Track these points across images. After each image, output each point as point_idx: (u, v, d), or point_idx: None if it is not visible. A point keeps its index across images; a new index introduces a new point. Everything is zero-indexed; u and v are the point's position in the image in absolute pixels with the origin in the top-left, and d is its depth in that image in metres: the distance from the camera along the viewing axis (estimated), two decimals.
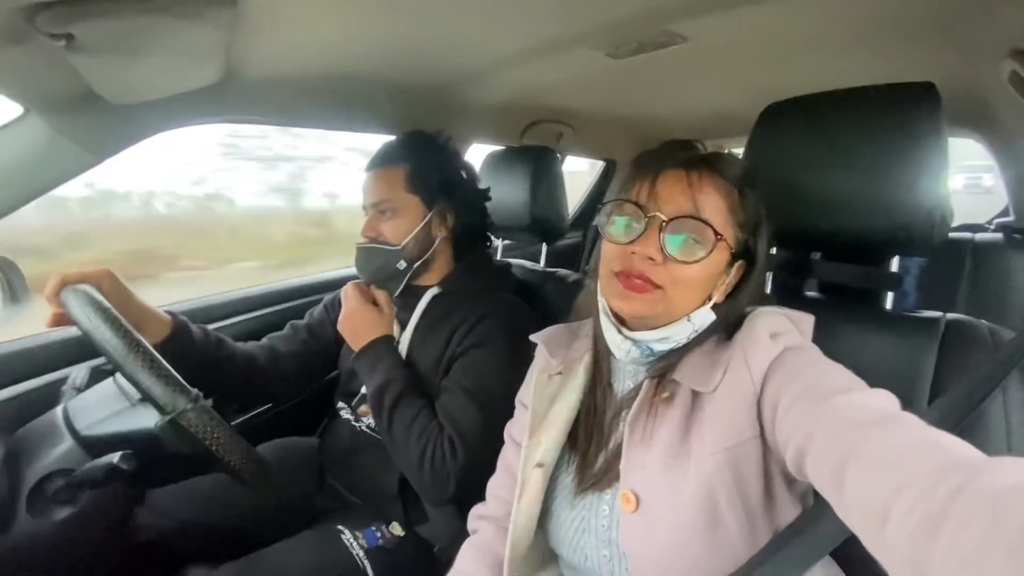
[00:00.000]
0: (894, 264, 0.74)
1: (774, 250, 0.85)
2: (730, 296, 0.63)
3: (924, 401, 0.65)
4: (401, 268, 0.97)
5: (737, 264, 0.62)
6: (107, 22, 0.55)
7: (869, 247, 0.73)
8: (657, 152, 0.65)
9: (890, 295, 0.75)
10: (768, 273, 0.86)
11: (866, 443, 0.42)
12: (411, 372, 0.95)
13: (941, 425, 0.45)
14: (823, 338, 0.72)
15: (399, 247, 0.96)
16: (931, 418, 0.52)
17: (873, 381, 0.53)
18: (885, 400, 0.49)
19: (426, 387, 0.95)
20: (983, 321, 0.68)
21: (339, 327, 1.00)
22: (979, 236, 1.49)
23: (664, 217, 0.58)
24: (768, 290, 0.86)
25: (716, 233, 0.58)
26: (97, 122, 0.82)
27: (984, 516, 0.31)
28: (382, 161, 0.99)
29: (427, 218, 0.98)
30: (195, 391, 0.62)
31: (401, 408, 0.90)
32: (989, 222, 1.86)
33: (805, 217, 0.73)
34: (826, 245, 0.78)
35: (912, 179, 0.65)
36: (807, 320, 0.63)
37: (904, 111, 0.66)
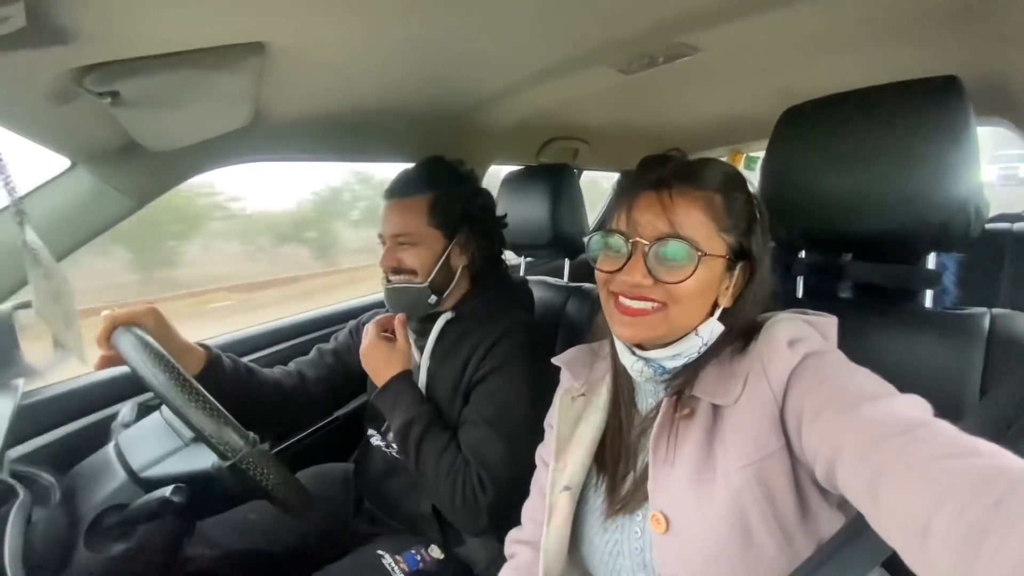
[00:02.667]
0: (931, 261, 0.73)
1: (803, 254, 0.84)
2: (738, 300, 0.62)
3: (974, 402, 0.63)
4: (432, 302, 0.98)
5: (740, 265, 0.61)
6: (149, 79, 0.59)
7: (903, 245, 0.72)
8: (634, 173, 0.65)
9: (929, 293, 0.73)
10: (799, 277, 0.85)
11: (899, 455, 0.41)
12: (432, 406, 0.94)
13: (987, 429, 0.43)
14: (859, 341, 0.71)
15: (426, 284, 0.96)
16: (975, 423, 0.51)
17: (918, 383, 0.51)
18: (915, 406, 0.47)
19: (447, 414, 0.95)
20: None
21: (364, 363, 1.00)
22: (1017, 226, 1.44)
23: (645, 242, 0.58)
24: (800, 294, 0.85)
25: (697, 249, 0.57)
26: (138, 170, 0.87)
27: None
28: (404, 191, 0.98)
29: (448, 249, 0.97)
30: (251, 435, 0.64)
31: (427, 444, 0.89)
32: None
33: (833, 218, 0.72)
34: (858, 245, 0.77)
35: (942, 174, 0.64)
36: (829, 323, 0.61)
37: (928, 106, 0.65)
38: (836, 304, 0.78)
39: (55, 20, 0.47)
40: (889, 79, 0.69)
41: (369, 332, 1.01)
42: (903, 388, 0.50)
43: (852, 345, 0.61)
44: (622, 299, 0.60)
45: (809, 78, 1.08)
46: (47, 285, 0.61)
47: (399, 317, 1.01)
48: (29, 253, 0.59)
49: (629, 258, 0.59)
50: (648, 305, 0.59)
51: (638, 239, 0.58)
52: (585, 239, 0.65)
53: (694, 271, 0.57)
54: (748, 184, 0.63)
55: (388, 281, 1.00)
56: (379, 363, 0.97)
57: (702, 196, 0.59)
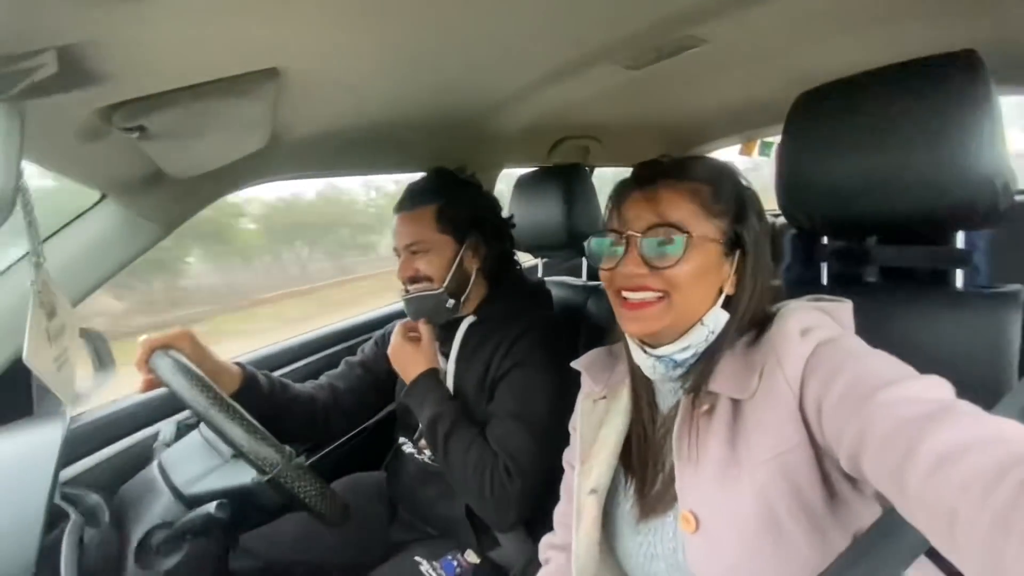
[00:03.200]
0: (959, 239, 0.71)
1: (825, 240, 0.83)
2: (738, 286, 0.62)
3: (1013, 382, 0.62)
4: (450, 307, 1.01)
5: (737, 254, 0.62)
6: (172, 111, 0.61)
7: (930, 225, 0.70)
8: (622, 182, 0.68)
9: (960, 273, 0.71)
10: (822, 264, 0.83)
11: (922, 440, 0.40)
12: (459, 404, 0.97)
13: None
14: (889, 326, 0.70)
15: (442, 289, 0.99)
16: (1015, 404, 0.49)
17: (953, 365, 0.50)
18: (936, 388, 0.46)
19: (474, 414, 0.96)
20: None
21: (393, 362, 1.04)
22: None
23: (636, 233, 0.61)
24: (824, 281, 0.83)
25: (686, 232, 0.59)
26: (164, 197, 0.90)
27: None
28: (412, 203, 1.03)
29: (460, 253, 1.01)
30: (289, 449, 0.66)
31: (454, 439, 0.91)
32: None
33: (855, 202, 0.70)
34: (882, 228, 0.75)
35: (966, 150, 0.62)
36: (844, 308, 0.61)
37: (947, 82, 0.63)
38: (863, 289, 0.77)
39: (84, 64, 0.49)
40: (904, 57, 0.68)
41: (396, 334, 1.04)
42: (938, 372, 0.49)
43: (882, 330, 0.60)
44: (625, 294, 0.62)
45: (821, 61, 1.06)
46: (47, 325, 0.63)
47: (421, 322, 1.04)
48: (34, 293, 0.61)
49: (626, 253, 0.61)
50: (650, 295, 0.60)
51: (630, 233, 0.61)
52: (586, 244, 0.68)
53: (684, 252, 0.58)
54: (738, 174, 0.65)
55: (406, 291, 1.02)
56: (407, 362, 1.01)
57: (688, 187, 0.62)
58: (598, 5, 0.74)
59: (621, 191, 0.66)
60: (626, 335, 0.66)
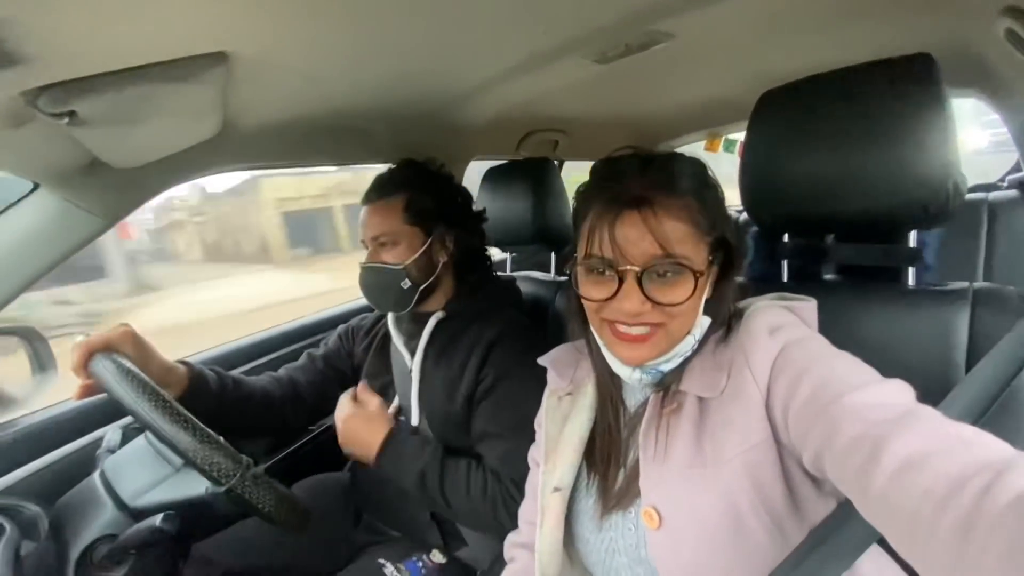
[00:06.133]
0: (912, 238, 0.73)
1: (786, 237, 0.84)
2: (717, 288, 0.61)
3: (959, 379, 0.64)
4: (406, 288, 0.96)
5: (717, 255, 0.60)
6: (106, 96, 0.56)
7: (885, 224, 0.72)
8: (596, 184, 0.62)
9: (911, 271, 0.73)
10: (783, 261, 0.85)
11: (885, 444, 0.41)
12: (434, 445, 0.92)
13: (973, 408, 0.43)
14: (845, 322, 0.71)
15: (401, 267, 0.95)
16: (960, 402, 0.51)
17: (905, 360, 0.51)
18: (899, 393, 0.47)
19: (442, 413, 0.94)
20: (1012, 288, 0.66)
21: (345, 449, 0.96)
22: (993, 195, 1.46)
23: (637, 268, 0.55)
24: (785, 278, 0.85)
25: (692, 269, 0.55)
26: (104, 188, 0.84)
27: (1012, 517, 0.31)
28: (379, 194, 0.99)
29: (427, 243, 0.97)
30: (246, 459, 0.63)
31: (449, 484, 0.88)
32: (1002, 179, 1.82)
33: (814, 201, 0.72)
34: (839, 227, 0.77)
35: (920, 152, 0.64)
36: (810, 308, 0.61)
37: (903, 85, 0.65)
38: (821, 286, 0.79)
39: (2, 44, 0.44)
40: (864, 58, 0.69)
41: (342, 405, 0.97)
42: (890, 368, 0.50)
43: (838, 327, 0.62)
44: (620, 327, 0.58)
45: (784, 60, 1.08)
46: None
47: (361, 385, 1.00)
48: None
49: (620, 284, 0.56)
50: (647, 329, 0.58)
51: (628, 267, 0.55)
52: (569, 271, 0.62)
53: (694, 288, 0.56)
54: (710, 173, 0.62)
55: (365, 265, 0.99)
56: (361, 433, 0.92)
57: (682, 204, 0.56)
58: None
59: (609, 206, 0.57)
60: (604, 348, 0.63)
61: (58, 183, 0.80)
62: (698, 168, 0.61)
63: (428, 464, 0.88)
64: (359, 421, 0.93)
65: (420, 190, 0.99)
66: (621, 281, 0.56)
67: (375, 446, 0.91)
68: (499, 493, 0.85)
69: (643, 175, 0.58)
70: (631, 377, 0.62)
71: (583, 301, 0.61)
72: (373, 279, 0.98)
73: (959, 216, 0.66)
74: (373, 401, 0.96)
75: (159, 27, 0.52)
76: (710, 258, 0.59)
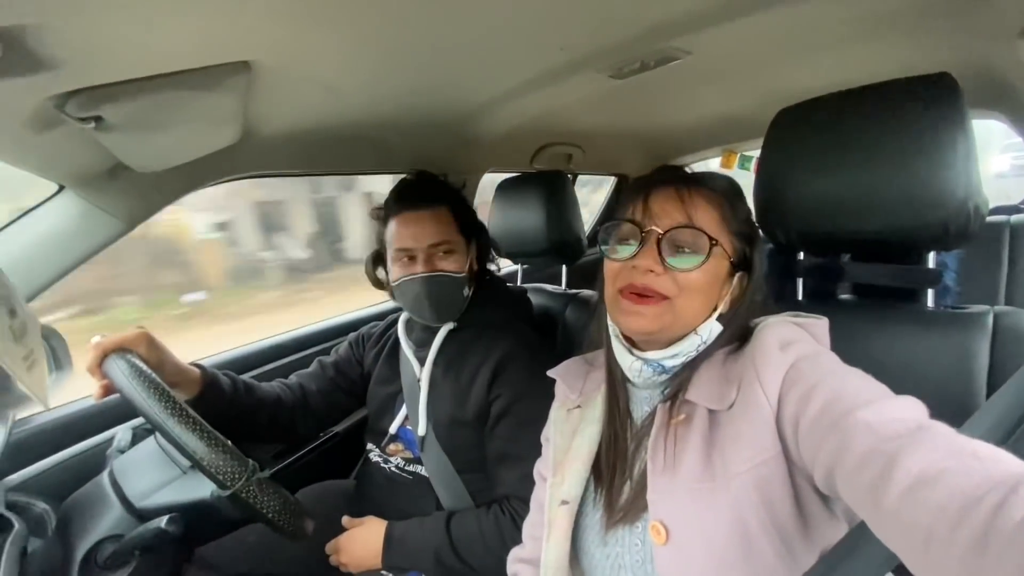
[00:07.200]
0: (931, 259, 0.72)
1: (801, 255, 0.83)
2: (733, 306, 0.63)
3: (980, 402, 0.62)
4: (466, 295, 0.99)
5: (738, 275, 0.63)
6: (132, 102, 0.58)
7: (903, 245, 0.71)
8: (648, 176, 0.67)
9: (931, 292, 0.72)
10: (798, 279, 0.84)
11: (898, 460, 0.40)
12: (435, 518, 0.92)
13: (994, 432, 0.42)
14: (861, 343, 0.70)
15: (463, 274, 0.97)
16: (982, 425, 0.49)
17: (922, 385, 0.50)
18: (912, 409, 0.46)
19: (448, 419, 0.94)
20: None
21: (352, 566, 0.94)
22: (1015, 217, 1.43)
23: (660, 230, 0.60)
24: (800, 296, 0.84)
25: (711, 239, 0.59)
26: (127, 191, 0.86)
27: None
28: (425, 203, 0.97)
29: (475, 253, 1.01)
30: (252, 463, 0.63)
31: (466, 550, 0.87)
32: (1023, 202, 1.79)
33: (831, 219, 0.71)
34: (855, 246, 0.76)
35: (940, 172, 0.63)
36: (821, 325, 0.61)
37: (922, 104, 0.64)
38: (836, 305, 0.78)
39: (32, 49, 0.46)
40: (882, 77, 0.69)
41: (338, 545, 0.96)
42: (907, 390, 0.49)
43: (854, 347, 0.60)
44: (631, 294, 0.61)
45: (801, 78, 1.08)
46: (10, 323, 0.59)
47: (345, 519, 0.98)
48: None
49: (642, 247, 0.60)
50: (654, 301, 0.60)
51: (653, 227, 0.60)
52: (597, 230, 0.66)
53: (705, 259, 0.59)
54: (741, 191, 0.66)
55: (424, 271, 0.96)
56: (361, 545, 0.93)
57: (714, 198, 0.62)
58: (583, 13, 0.74)
59: (650, 183, 0.64)
60: (613, 337, 0.65)
61: (82, 186, 0.83)
62: (733, 182, 0.67)
63: (440, 542, 0.88)
64: (352, 533, 0.95)
65: (459, 201, 1.01)
66: (643, 244, 0.60)
67: (377, 550, 0.91)
68: (508, 521, 0.86)
69: (677, 170, 0.66)
70: (632, 369, 0.62)
71: (606, 266, 0.65)
72: (436, 288, 0.96)
73: (980, 238, 0.65)
74: (366, 521, 0.96)
75: (186, 36, 0.54)
76: (732, 264, 0.61)
